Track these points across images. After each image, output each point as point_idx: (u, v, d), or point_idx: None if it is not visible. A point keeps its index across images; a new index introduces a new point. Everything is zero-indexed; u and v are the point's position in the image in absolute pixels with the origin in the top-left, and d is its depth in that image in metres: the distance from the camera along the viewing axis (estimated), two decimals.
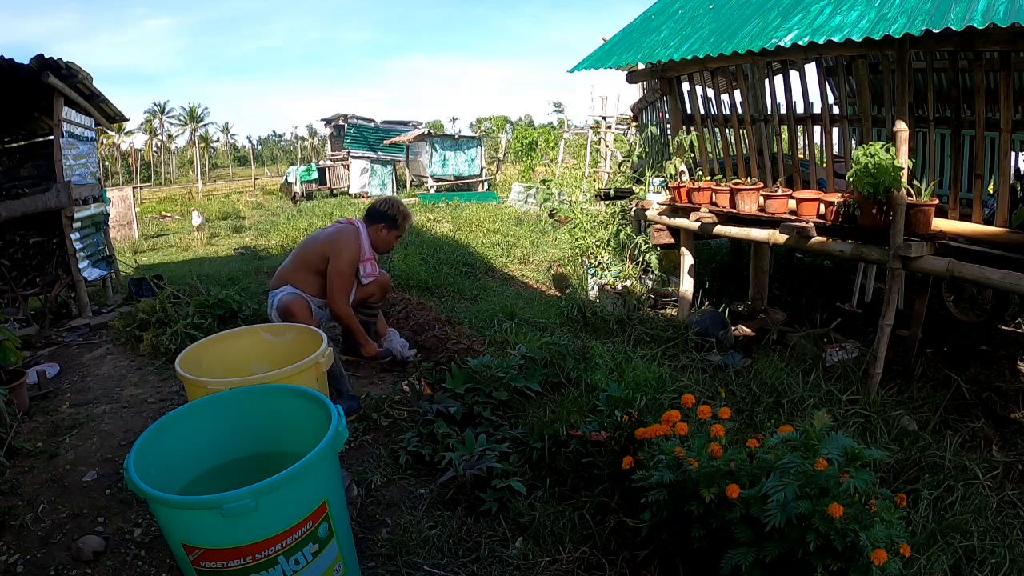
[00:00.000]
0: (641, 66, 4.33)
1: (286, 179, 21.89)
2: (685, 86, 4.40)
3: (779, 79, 4.15)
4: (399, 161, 20.75)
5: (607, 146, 12.30)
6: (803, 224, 3.33)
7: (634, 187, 5.91)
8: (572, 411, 2.71)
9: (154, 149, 63.49)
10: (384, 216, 3.56)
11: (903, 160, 2.90)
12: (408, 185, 20.14)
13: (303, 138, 76.44)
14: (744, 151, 4.06)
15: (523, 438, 2.57)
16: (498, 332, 4.08)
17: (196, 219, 14.22)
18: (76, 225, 5.04)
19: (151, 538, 2.15)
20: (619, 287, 5.27)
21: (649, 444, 2.02)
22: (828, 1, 2.90)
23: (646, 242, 5.36)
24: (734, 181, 3.93)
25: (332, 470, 1.68)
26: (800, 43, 2.79)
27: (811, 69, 3.77)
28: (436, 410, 2.79)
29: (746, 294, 4.91)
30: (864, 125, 3.33)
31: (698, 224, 4.05)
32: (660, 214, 4.51)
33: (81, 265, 5.06)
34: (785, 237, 3.44)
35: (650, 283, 5.37)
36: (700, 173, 4.33)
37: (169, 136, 65.36)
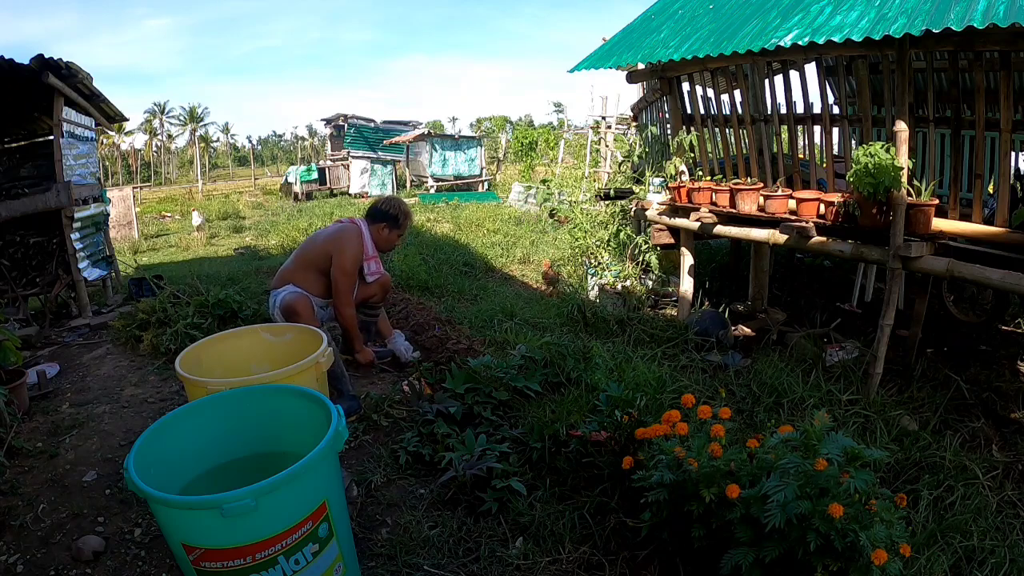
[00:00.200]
0: (641, 66, 4.33)
1: (286, 179, 21.92)
2: (685, 86, 4.40)
3: (779, 79, 4.15)
4: (399, 161, 20.75)
5: (607, 146, 12.30)
6: (803, 224, 3.33)
7: (634, 187, 5.91)
8: (572, 411, 2.71)
9: (154, 149, 63.49)
10: (385, 215, 3.56)
11: (903, 160, 2.90)
12: (408, 185, 20.14)
13: (303, 138, 76.45)
14: (744, 151, 4.06)
15: (523, 438, 2.57)
16: (498, 332, 4.08)
17: (196, 219, 14.21)
18: (76, 225, 5.04)
19: (151, 538, 2.15)
20: (619, 287, 5.27)
21: (649, 444, 2.02)
22: (828, 1, 2.90)
23: (646, 242, 5.36)
24: (734, 181, 3.93)
25: (332, 470, 1.68)
26: (800, 43, 2.79)
27: (811, 69, 3.77)
28: (436, 410, 2.79)
29: (746, 294, 4.91)
30: (864, 125, 3.33)
31: (698, 224, 4.05)
32: (660, 214, 4.51)
33: (81, 265, 5.06)
34: (785, 237, 3.44)
35: (650, 283, 5.37)
36: (700, 173, 4.33)
37: (169, 136, 65.38)
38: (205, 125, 66.19)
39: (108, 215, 6.15)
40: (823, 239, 3.31)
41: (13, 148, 5.72)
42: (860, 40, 2.57)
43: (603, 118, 13.35)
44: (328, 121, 23.25)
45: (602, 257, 6.02)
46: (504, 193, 16.11)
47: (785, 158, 3.82)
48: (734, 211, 3.79)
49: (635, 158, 6.31)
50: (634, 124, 7.50)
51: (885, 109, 3.15)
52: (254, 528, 1.46)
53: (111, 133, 33.06)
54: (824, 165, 3.98)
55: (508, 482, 2.25)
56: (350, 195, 18.71)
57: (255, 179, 38.97)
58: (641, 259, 5.49)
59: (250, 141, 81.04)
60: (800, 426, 1.74)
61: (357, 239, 3.44)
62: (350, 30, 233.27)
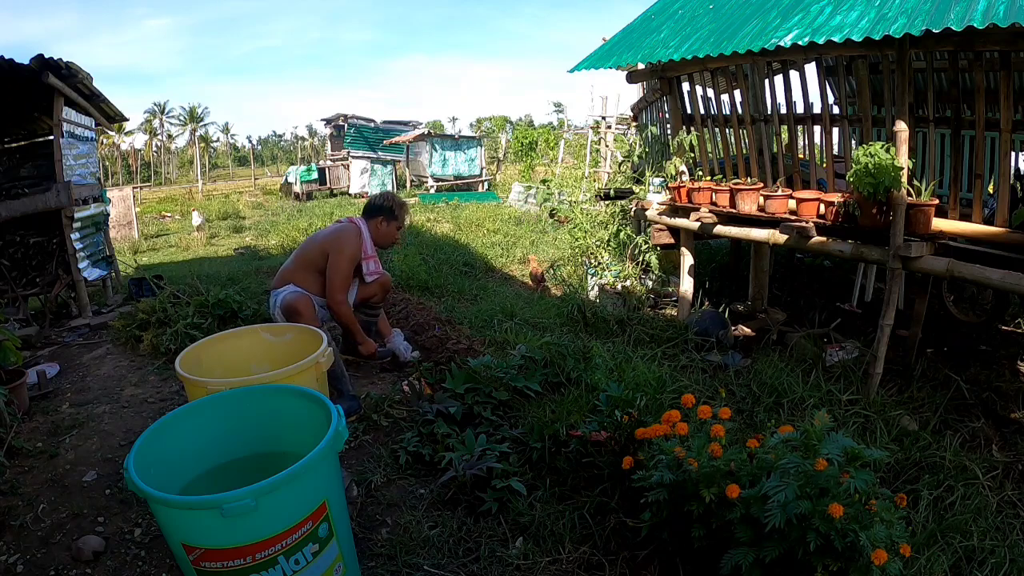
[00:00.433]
0: (641, 66, 4.33)
1: (286, 179, 21.93)
2: (685, 86, 4.40)
3: (779, 79, 4.15)
4: (399, 161, 20.76)
5: (607, 146, 12.30)
6: (803, 224, 3.33)
7: (634, 187, 5.91)
8: (572, 411, 2.71)
9: (154, 149, 63.48)
10: (381, 208, 3.57)
11: (903, 160, 2.90)
12: (408, 185, 20.15)
13: (303, 138, 76.45)
14: (744, 151, 4.06)
15: (523, 438, 2.57)
16: (498, 332, 4.08)
17: (196, 219, 14.22)
18: (76, 225, 5.04)
19: (151, 538, 2.15)
20: (619, 287, 5.27)
21: (649, 444, 2.01)
22: (828, 1, 2.90)
23: (646, 242, 5.36)
24: (734, 181, 3.93)
25: (332, 470, 1.68)
26: (800, 43, 2.79)
27: (811, 69, 3.77)
28: (436, 410, 2.79)
29: (746, 294, 4.91)
30: (864, 125, 3.33)
31: (698, 224, 4.05)
32: (660, 214, 4.51)
33: (81, 265, 5.06)
34: (785, 237, 3.44)
35: (650, 283, 5.37)
36: (700, 173, 4.33)
37: (169, 136, 65.36)
38: (205, 125, 66.22)
39: (108, 215, 6.15)
40: (823, 239, 3.31)
41: (13, 148, 5.72)
42: (860, 40, 2.57)
43: (603, 118, 13.35)
44: (328, 121, 23.25)
45: (602, 257, 6.02)
46: (504, 193, 16.12)
47: (785, 158, 3.82)
48: (734, 211, 3.79)
49: (635, 158, 6.31)
50: (634, 124, 7.51)
51: (885, 109, 3.15)
52: (254, 528, 1.46)
53: (111, 133, 33.06)
54: (824, 165, 3.98)
55: (508, 482, 2.25)
56: (350, 195, 18.72)
57: (255, 179, 38.97)
58: (641, 259, 5.49)
59: (250, 141, 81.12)
60: (800, 426, 1.74)
61: (355, 238, 3.45)
62: (350, 30, 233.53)
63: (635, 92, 8.43)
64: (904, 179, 2.88)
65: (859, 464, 1.60)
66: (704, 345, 3.83)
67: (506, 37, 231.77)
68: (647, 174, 5.23)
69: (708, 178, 4.13)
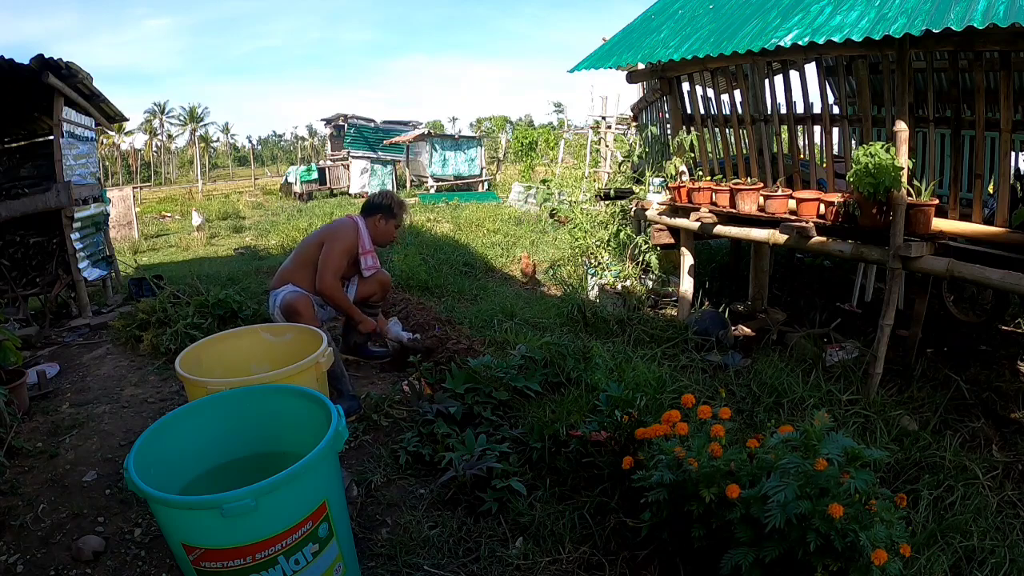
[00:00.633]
0: (641, 66, 4.33)
1: (286, 179, 21.92)
2: (685, 86, 4.40)
3: (779, 79, 4.15)
4: (399, 161, 20.76)
5: (607, 146, 12.30)
6: (803, 224, 3.33)
7: (634, 187, 5.91)
8: (572, 411, 2.70)
9: (154, 149, 63.47)
10: (379, 206, 3.58)
11: (903, 160, 2.89)
12: (408, 185, 20.14)
13: (303, 138, 76.44)
14: (744, 151, 4.06)
15: (523, 438, 2.57)
16: (498, 332, 4.08)
17: (196, 219, 14.22)
18: (76, 225, 5.04)
19: (151, 538, 2.15)
20: (619, 287, 5.27)
21: (649, 444, 2.01)
22: (828, 1, 2.90)
23: (646, 242, 5.36)
24: (734, 181, 3.93)
25: (332, 470, 1.68)
26: (800, 43, 2.79)
27: (811, 69, 3.77)
28: (436, 410, 2.79)
29: (746, 294, 4.91)
30: (864, 125, 3.33)
31: (698, 224, 4.05)
32: (660, 214, 4.51)
33: (81, 265, 5.06)
34: (785, 237, 3.44)
35: (650, 283, 5.37)
36: (700, 173, 4.33)
37: (169, 136, 65.36)
38: (205, 125, 66.22)
39: (108, 215, 6.15)
40: (823, 239, 3.31)
41: (13, 148, 5.72)
42: (860, 40, 2.57)
43: (603, 118, 13.35)
44: (328, 121, 23.25)
45: (602, 257, 6.02)
46: (504, 193, 16.11)
47: (785, 158, 3.82)
48: (734, 211, 3.79)
49: (635, 158, 6.31)
50: (634, 124, 7.50)
51: (885, 109, 3.15)
52: (254, 528, 1.46)
53: (111, 133, 33.08)
54: (824, 165, 3.98)
55: (508, 482, 2.25)
56: (350, 195, 18.70)
57: (255, 179, 38.96)
58: (641, 259, 5.48)
59: (250, 141, 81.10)
60: (800, 426, 1.74)
61: (352, 232, 3.46)
62: (350, 30, 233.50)
63: (635, 92, 8.43)
64: (904, 179, 2.88)
65: (859, 464, 1.60)
66: (704, 345, 3.83)
67: (506, 37, 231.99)
68: (647, 174, 5.23)
69: (708, 178, 4.13)
